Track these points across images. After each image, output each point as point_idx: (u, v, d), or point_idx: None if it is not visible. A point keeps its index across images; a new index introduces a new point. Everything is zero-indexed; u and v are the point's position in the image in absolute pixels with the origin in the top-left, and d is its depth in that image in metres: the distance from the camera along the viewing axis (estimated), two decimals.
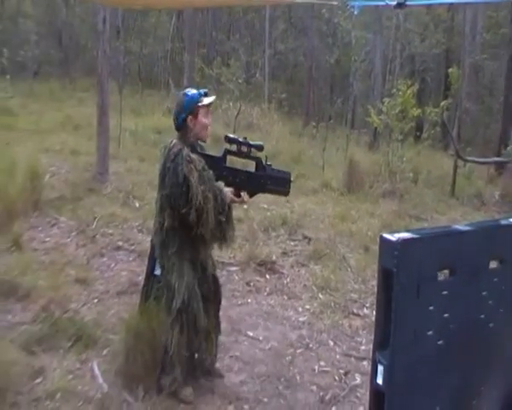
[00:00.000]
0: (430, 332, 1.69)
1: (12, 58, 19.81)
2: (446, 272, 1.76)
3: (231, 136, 3.77)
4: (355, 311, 5.50)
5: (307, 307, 5.49)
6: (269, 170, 3.82)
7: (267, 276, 6.15)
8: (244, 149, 3.74)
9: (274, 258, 6.52)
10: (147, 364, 3.66)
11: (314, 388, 4.11)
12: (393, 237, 1.59)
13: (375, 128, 13.69)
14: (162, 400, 3.60)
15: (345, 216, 8.45)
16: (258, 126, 15.84)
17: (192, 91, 3.74)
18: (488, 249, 1.85)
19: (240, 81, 15.70)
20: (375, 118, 11.74)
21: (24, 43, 21.55)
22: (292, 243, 7.25)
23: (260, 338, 4.77)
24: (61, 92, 20.56)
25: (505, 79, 17.49)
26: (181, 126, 3.68)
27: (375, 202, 9.79)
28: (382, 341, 1.63)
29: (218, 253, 6.01)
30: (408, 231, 1.66)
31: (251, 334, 4.83)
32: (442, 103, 12.10)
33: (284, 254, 6.85)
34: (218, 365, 4.09)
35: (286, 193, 3.98)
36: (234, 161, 3.90)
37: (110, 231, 6.83)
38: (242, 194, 3.75)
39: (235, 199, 3.74)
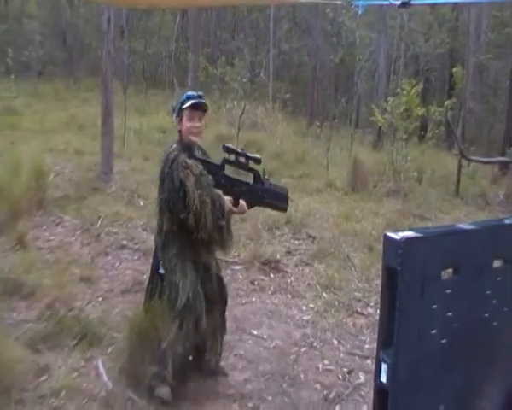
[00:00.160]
0: (434, 331, 1.69)
1: (16, 58, 19.91)
2: (450, 270, 1.76)
3: (229, 146, 3.73)
4: (359, 310, 5.50)
5: (311, 305, 5.49)
6: (267, 184, 3.83)
7: (271, 275, 6.15)
8: (242, 159, 3.72)
9: (278, 257, 6.53)
10: (151, 362, 3.66)
11: (318, 386, 4.11)
12: (397, 236, 1.59)
13: (380, 127, 13.70)
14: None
15: (349, 215, 8.45)
16: (263, 126, 15.84)
17: (187, 93, 3.77)
18: (492, 248, 1.85)
19: (244, 81, 15.65)
20: (380, 117, 11.74)
21: (28, 44, 21.63)
22: (296, 242, 7.25)
23: (264, 337, 4.78)
24: (66, 92, 20.62)
25: (510, 78, 17.46)
26: (177, 128, 3.73)
27: (380, 201, 9.78)
28: (386, 339, 1.64)
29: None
30: (412, 229, 1.66)
31: (255, 332, 4.84)
32: (446, 103, 12.08)
33: (288, 253, 6.85)
34: (222, 363, 4.10)
35: (284, 209, 4.02)
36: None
37: (114, 230, 6.85)
38: (241, 202, 3.73)
39: (234, 209, 3.72)
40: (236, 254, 6.48)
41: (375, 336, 1.74)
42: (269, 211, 8.03)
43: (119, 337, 4.19)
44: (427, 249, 1.65)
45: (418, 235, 1.64)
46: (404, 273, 1.57)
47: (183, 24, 28.54)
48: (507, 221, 1.99)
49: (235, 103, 15.14)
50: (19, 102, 16.01)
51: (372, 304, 5.59)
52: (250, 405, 3.79)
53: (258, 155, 3.81)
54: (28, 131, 12.02)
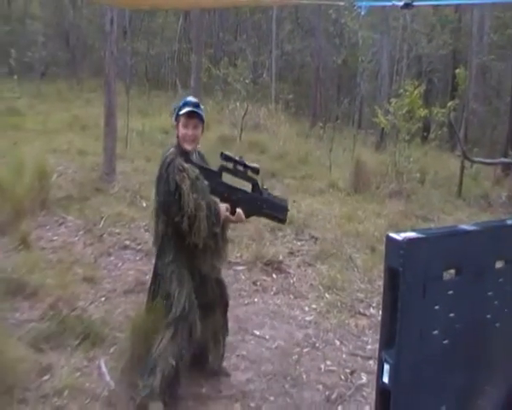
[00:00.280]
0: (436, 332, 1.69)
1: (19, 59, 19.96)
2: (452, 271, 1.76)
3: (227, 153, 3.67)
4: (361, 310, 5.50)
5: (314, 306, 5.50)
6: (265, 194, 3.77)
7: (274, 275, 6.16)
8: (240, 168, 3.67)
9: (281, 258, 6.53)
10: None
11: (320, 387, 4.12)
12: (399, 237, 1.60)
13: (382, 128, 13.67)
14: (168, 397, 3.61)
15: (351, 216, 8.46)
16: (265, 127, 15.85)
17: (186, 98, 3.74)
18: (494, 249, 1.85)
19: (247, 81, 15.69)
20: (382, 118, 11.73)
21: (31, 44, 21.69)
22: (298, 243, 7.25)
23: (267, 337, 4.79)
24: (69, 93, 20.67)
25: None
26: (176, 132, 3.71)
27: (382, 202, 9.78)
28: (388, 340, 1.64)
29: None
30: (414, 230, 1.67)
31: (257, 333, 4.85)
32: (449, 104, 12.07)
33: (291, 253, 6.85)
34: (224, 363, 4.11)
35: (282, 220, 3.94)
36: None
37: (117, 231, 6.86)
38: (238, 211, 3.68)
39: (231, 217, 3.68)
40: (239, 254, 6.49)
41: (378, 336, 1.74)
42: None
43: (122, 337, 4.19)
44: (429, 250, 1.65)
45: (420, 236, 1.64)
46: (406, 274, 1.58)
47: (186, 25, 28.59)
48: (509, 222, 1.99)
49: (238, 104, 15.17)
50: (22, 103, 16.06)
51: (374, 305, 5.59)
52: (252, 405, 3.80)
53: (256, 165, 3.75)
54: (31, 132, 12.06)
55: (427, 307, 1.66)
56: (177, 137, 3.67)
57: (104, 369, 3.93)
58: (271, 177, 10.79)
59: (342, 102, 20.03)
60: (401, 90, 11.76)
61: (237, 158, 3.68)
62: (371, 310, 5.52)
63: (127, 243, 6.54)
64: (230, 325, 4.25)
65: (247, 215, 3.74)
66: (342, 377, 4.29)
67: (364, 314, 5.43)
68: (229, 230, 3.96)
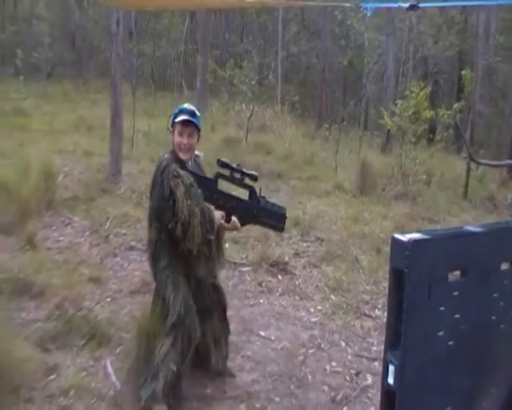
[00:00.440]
0: (441, 333, 1.70)
1: (26, 60, 20.04)
2: (457, 273, 1.77)
3: (224, 160, 3.63)
4: (367, 312, 5.49)
5: (319, 307, 5.49)
6: (263, 202, 3.72)
7: (279, 276, 6.16)
8: (237, 175, 3.63)
9: (286, 259, 6.53)
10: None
11: (325, 388, 4.12)
12: (405, 238, 1.60)
13: (388, 130, 13.65)
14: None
15: (357, 218, 8.45)
16: (271, 128, 15.84)
17: (181, 106, 3.70)
18: (499, 251, 1.86)
19: (253, 83, 15.69)
20: (388, 120, 11.70)
21: (37, 45, 21.77)
22: (304, 244, 7.25)
23: (272, 338, 4.78)
24: (75, 94, 20.73)
25: None
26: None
27: (388, 204, 9.77)
28: (393, 341, 1.65)
29: (230, 253, 6.09)
30: (419, 231, 1.67)
31: (263, 334, 4.84)
32: (455, 106, 12.02)
33: (296, 255, 6.85)
34: (229, 364, 4.11)
35: (280, 229, 3.90)
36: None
37: (123, 231, 6.88)
38: (233, 219, 3.65)
39: (226, 225, 3.66)
40: (244, 255, 6.50)
41: (383, 338, 1.75)
42: None
43: (128, 338, 4.20)
44: (435, 251, 1.66)
45: (425, 237, 1.65)
46: (412, 275, 1.58)
47: (192, 26, 28.66)
48: None
49: (244, 106, 15.17)
50: (28, 104, 16.11)
51: (380, 306, 5.59)
52: (257, 405, 3.80)
53: (254, 172, 3.70)
54: (37, 133, 12.11)
55: (432, 309, 1.66)
56: (173, 143, 3.63)
57: (110, 369, 3.94)
58: (277, 178, 10.79)
59: (348, 104, 20.01)
60: (407, 92, 11.73)
61: (234, 165, 3.64)
62: (376, 311, 5.52)
63: (133, 243, 6.55)
64: (236, 325, 4.26)
65: (243, 223, 3.71)
66: (347, 378, 4.28)
67: (370, 316, 5.43)
68: (225, 237, 3.95)
